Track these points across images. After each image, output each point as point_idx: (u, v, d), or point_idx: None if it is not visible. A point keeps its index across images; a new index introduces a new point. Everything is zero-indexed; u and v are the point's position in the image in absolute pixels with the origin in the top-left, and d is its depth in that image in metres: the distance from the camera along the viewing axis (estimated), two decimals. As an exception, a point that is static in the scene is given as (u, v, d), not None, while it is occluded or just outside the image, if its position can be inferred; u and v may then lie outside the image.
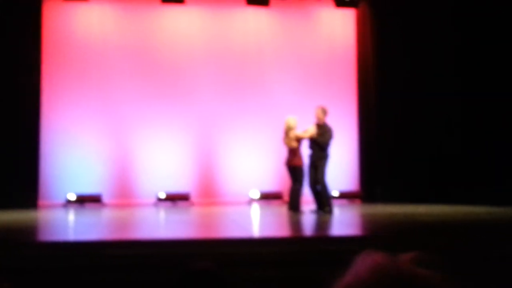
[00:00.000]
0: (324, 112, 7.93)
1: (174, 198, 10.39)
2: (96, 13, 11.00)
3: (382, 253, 1.40)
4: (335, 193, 10.69)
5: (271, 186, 11.05)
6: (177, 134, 10.96)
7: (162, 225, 6.91)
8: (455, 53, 10.40)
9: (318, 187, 7.74)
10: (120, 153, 10.80)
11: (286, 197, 10.82)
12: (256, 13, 11.40)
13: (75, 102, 10.70)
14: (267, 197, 10.77)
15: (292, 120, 7.86)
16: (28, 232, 5.89)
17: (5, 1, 9.92)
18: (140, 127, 10.86)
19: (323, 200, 7.74)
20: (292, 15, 11.54)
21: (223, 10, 11.33)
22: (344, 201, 10.73)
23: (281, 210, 9.02)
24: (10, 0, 9.93)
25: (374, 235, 5.67)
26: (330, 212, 7.63)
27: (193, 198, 10.62)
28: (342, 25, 11.73)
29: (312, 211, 7.72)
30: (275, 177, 11.07)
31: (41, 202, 10.08)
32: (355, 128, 11.50)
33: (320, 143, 7.76)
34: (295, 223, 6.96)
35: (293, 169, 7.80)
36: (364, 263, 1.21)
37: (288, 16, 11.53)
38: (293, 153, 7.77)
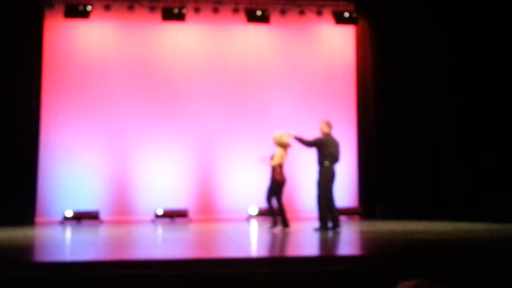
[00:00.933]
0: (327, 125, 7.97)
1: (172, 215, 10.36)
2: (97, 30, 11.04)
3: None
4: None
5: (270, 202, 11.00)
6: (176, 151, 10.95)
7: (159, 244, 6.86)
8: (454, 69, 10.43)
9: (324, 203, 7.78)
10: (118, 170, 10.77)
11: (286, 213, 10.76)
12: (257, 30, 11.44)
13: (74, 119, 10.71)
14: (266, 213, 10.70)
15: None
16: (24, 252, 5.83)
17: (7, 18, 9.96)
18: (138, 144, 10.85)
19: (320, 217, 7.77)
20: (292, 32, 11.58)
21: (224, 27, 11.37)
22: (343, 218, 10.67)
23: (279, 227, 8.95)
24: (12, 17, 9.98)
25: (374, 255, 5.62)
26: (321, 229, 7.69)
27: (191, 214, 10.58)
28: (342, 42, 11.77)
29: (315, 229, 7.74)
30: (274, 193, 11.01)
31: (38, 219, 10.04)
32: (355, 144, 11.48)
33: (303, 142, 7.89)
34: (294, 242, 6.91)
35: None
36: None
37: (288, 33, 11.57)
38: None
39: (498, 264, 4.83)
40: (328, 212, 7.73)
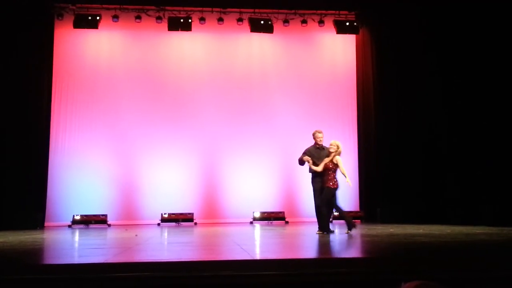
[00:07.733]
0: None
1: (178, 219, 10.52)
2: (105, 39, 11.26)
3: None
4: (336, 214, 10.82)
5: (273, 206, 11.14)
6: (181, 156, 11.12)
7: (165, 247, 7.01)
8: (451, 77, 10.57)
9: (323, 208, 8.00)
10: (125, 175, 10.94)
11: (288, 217, 10.92)
12: (260, 39, 11.62)
13: (82, 125, 10.91)
14: (270, 217, 10.87)
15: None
16: (34, 255, 5.98)
17: (18, 28, 10.17)
18: (145, 150, 11.03)
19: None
20: (295, 41, 11.77)
21: (228, 36, 11.56)
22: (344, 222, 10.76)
23: (282, 231, 9.07)
24: (23, 27, 10.19)
25: (376, 257, 5.73)
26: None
27: (197, 218, 10.73)
28: (343, 50, 11.95)
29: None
30: (277, 197, 11.18)
31: (47, 223, 10.21)
32: (356, 150, 11.63)
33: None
34: (298, 245, 7.04)
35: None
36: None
37: (291, 41, 11.76)
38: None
39: (498, 266, 4.91)
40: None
